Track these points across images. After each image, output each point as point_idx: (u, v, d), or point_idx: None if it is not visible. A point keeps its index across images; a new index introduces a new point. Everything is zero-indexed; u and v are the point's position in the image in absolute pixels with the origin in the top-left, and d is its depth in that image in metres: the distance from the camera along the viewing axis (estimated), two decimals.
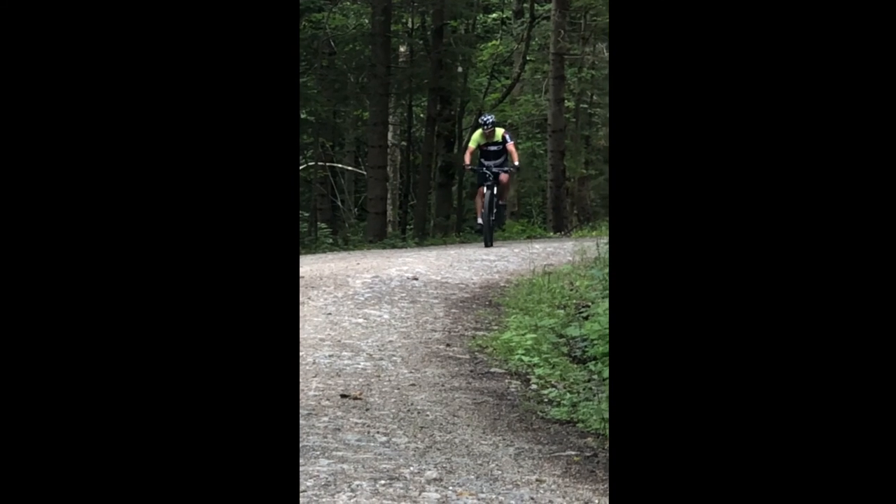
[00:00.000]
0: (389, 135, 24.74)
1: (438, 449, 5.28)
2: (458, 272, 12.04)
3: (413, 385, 6.70)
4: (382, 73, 21.74)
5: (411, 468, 4.91)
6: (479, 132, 16.36)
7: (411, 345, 8.02)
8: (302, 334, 8.20)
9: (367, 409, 6.03)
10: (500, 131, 16.37)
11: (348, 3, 25.14)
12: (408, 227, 24.51)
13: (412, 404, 6.20)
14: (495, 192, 16.09)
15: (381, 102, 22.04)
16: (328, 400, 6.21)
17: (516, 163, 16.38)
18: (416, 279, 11.24)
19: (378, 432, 5.55)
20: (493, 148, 16.23)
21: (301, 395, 6.28)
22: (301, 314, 9.08)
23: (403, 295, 10.31)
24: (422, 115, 25.27)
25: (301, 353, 7.48)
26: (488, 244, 15.73)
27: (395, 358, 7.52)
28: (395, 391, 6.53)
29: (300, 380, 6.66)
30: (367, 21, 23.65)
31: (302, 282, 10.92)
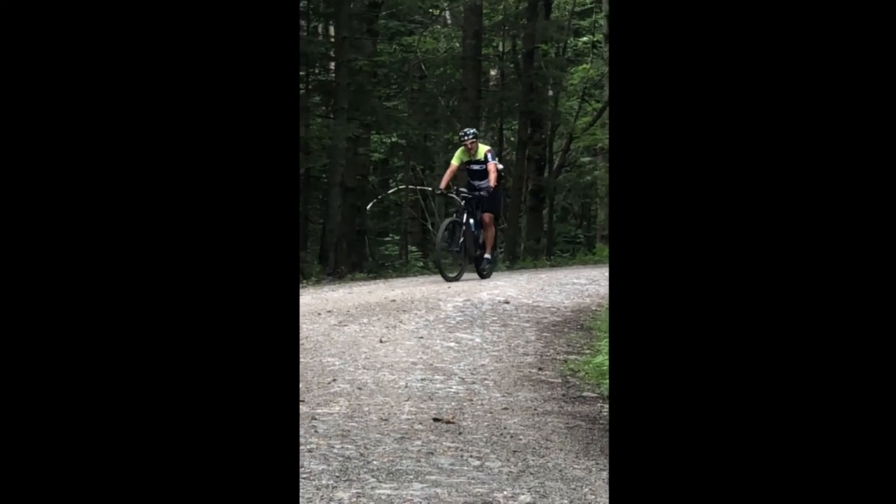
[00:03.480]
0: None
1: (532, 473, 5.27)
2: (549, 296, 12.02)
3: (506, 409, 6.70)
4: (473, 97, 21.81)
5: (505, 492, 4.91)
6: (461, 149, 14.90)
7: (503, 368, 8.01)
8: (394, 358, 8.23)
9: (459, 433, 6.03)
10: (483, 148, 14.83)
11: (439, 27, 25.28)
12: (498, 250, 24.51)
13: (505, 428, 6.20)
14: (471, 223, 14.49)
15: (471, 126, 22.08)
16: (421, 424, 6.22)
17: (492, 183, 14.49)
18: (508, 303, 11.24)
19: (471, 456, 5.55)
20: (476, 167, 14.76)
21: (394, 418, 6.31)
22: (393, 338, 9.11)
23: (495, 318, 10.31)
24: (512, 139, 25.31)
25: (393, 377, 7.51)
26: (449, 278, 14.07)
27: (487, 382, 7.52)
28: (488, 415, 6.52)
29: (393, 404, 6.69)
30: (457, 45, 23.76)
31: (393, 305, 10.97)
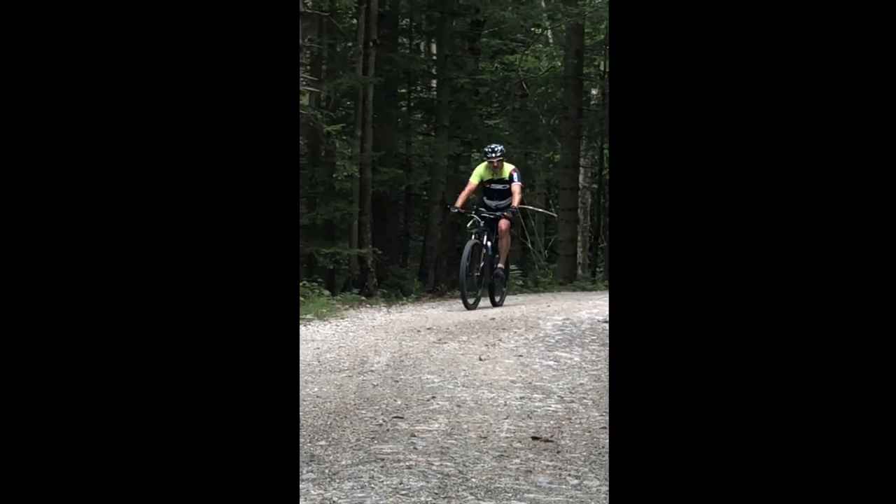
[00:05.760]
0: (580, 177, 24.75)
1: None
2: None
3: (604, 428, 6.68)
4: (574, 116, 21.80)
5: None
6: (483, 165, 13.73)
7: (602, 387, 7.99)
8: (493, 376, 8.25)
9: (558, 452, 6.03)
10: (508, 167, 13.59)
11: (541, 46, 25.30)
12: (598, 269, 24.44)
13: (603, 447, 6.18)
14: (489, 246, 13.41)
15: (572, 145, 22.10)
16: (519, 442, 6.23)
17: (515, 205, 13.48)
18: (607, 322, 11.20)
19: (570, 475, 5.55)
20: (497, 186, 13.57)
21: (493, 436, 6.32)
22: (492, 356, 9.13)
23: (594, 338, 10.28)
24: None
25: (492, 395, 7.53)
26: (469, 305, 12.99)
27: (586, 401, 7.51)
28: (587, 434, 6.51)
29: (492, 421, 6.70)
30: (559, 64, 23.76)
31: (492, 323, 10.99)
